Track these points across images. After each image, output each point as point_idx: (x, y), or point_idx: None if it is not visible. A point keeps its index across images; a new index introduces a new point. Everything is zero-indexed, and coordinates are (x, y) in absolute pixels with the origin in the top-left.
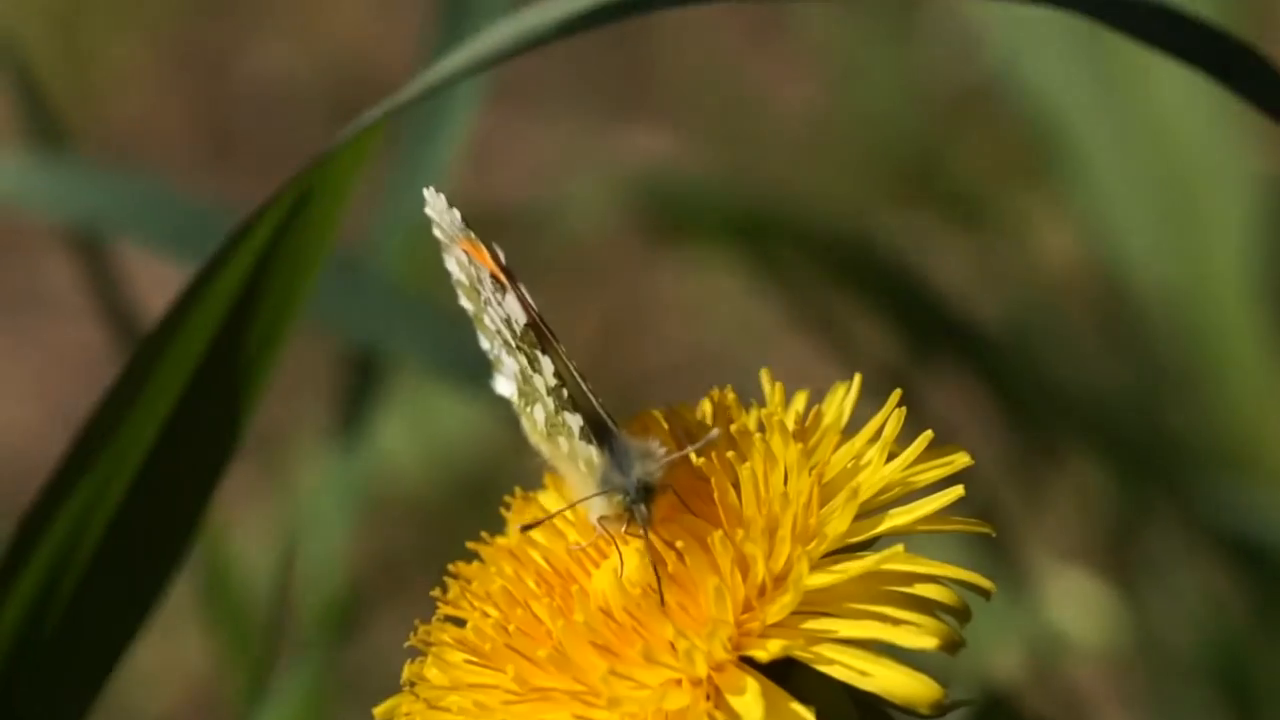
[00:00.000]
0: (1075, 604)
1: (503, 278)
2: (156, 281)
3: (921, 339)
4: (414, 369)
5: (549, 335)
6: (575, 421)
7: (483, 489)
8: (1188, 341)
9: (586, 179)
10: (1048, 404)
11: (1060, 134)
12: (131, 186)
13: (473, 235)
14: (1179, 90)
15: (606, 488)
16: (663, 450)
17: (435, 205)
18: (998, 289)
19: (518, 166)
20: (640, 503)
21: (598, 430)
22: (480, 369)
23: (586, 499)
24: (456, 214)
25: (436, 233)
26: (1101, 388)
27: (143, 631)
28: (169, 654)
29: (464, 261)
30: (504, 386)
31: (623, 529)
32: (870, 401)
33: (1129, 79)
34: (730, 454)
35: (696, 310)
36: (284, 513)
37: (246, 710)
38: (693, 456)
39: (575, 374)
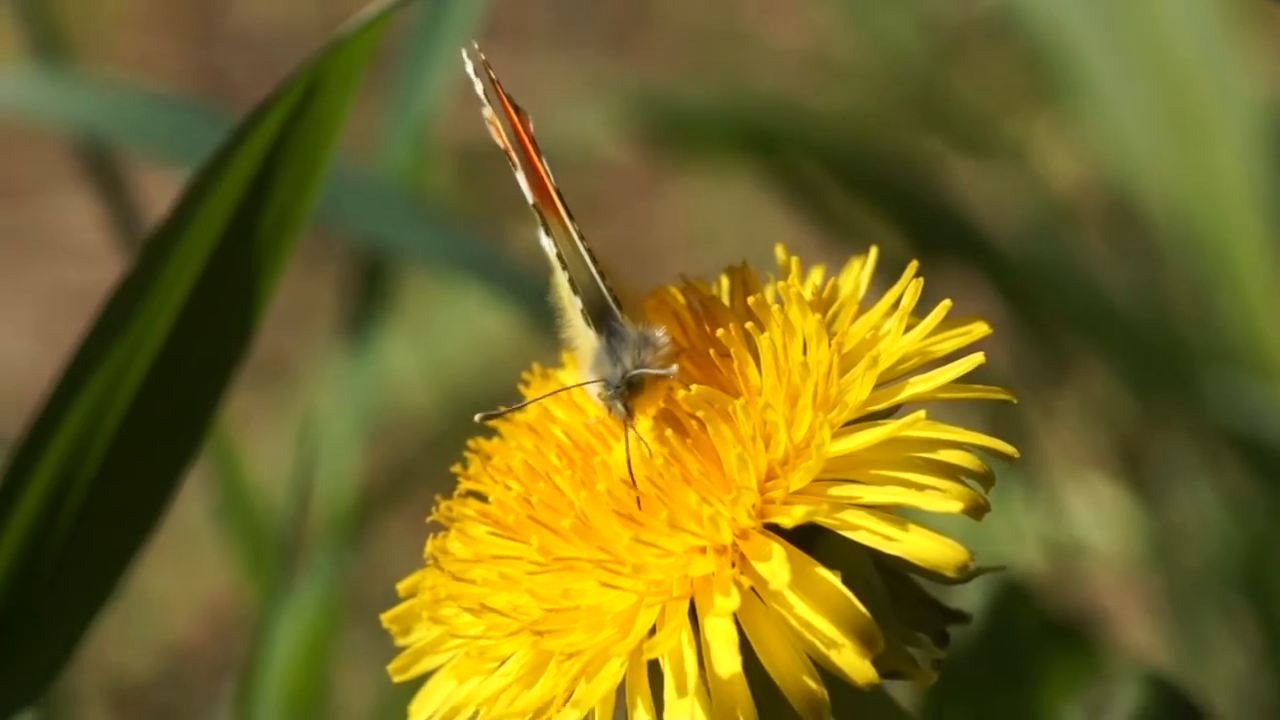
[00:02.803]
0: (1092, 510)
1: (511, 155)
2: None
3: (934, 251)
4: (419, 281)
5: (560, 215)
6: (576, 303)
7: (489, 402)
8: (1195, 253)
9: (587, 108)
10: (1060, 314)
11: (1065, 58)
12: (138, 94)
13: (487, 112)
14: (1181, 11)
15: (595, 375)
16: (665, 340)
17: (470, 69)
18: (1008, 208)
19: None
20: (619, 398)
21: (600, 314)
22: (487, 271)
23: (568, 387)
24: (477, 85)
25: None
26: (1112, 298)
27: (153, 535)
28: (185, 582)
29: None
30: (545, 242)
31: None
32: (884, 293)
33: (1131, 2)
34: (749, 325)
35: (705, 235)
36: (294, 433)
37: (262, 625)
38: (706, 333)
39: (585, 254)
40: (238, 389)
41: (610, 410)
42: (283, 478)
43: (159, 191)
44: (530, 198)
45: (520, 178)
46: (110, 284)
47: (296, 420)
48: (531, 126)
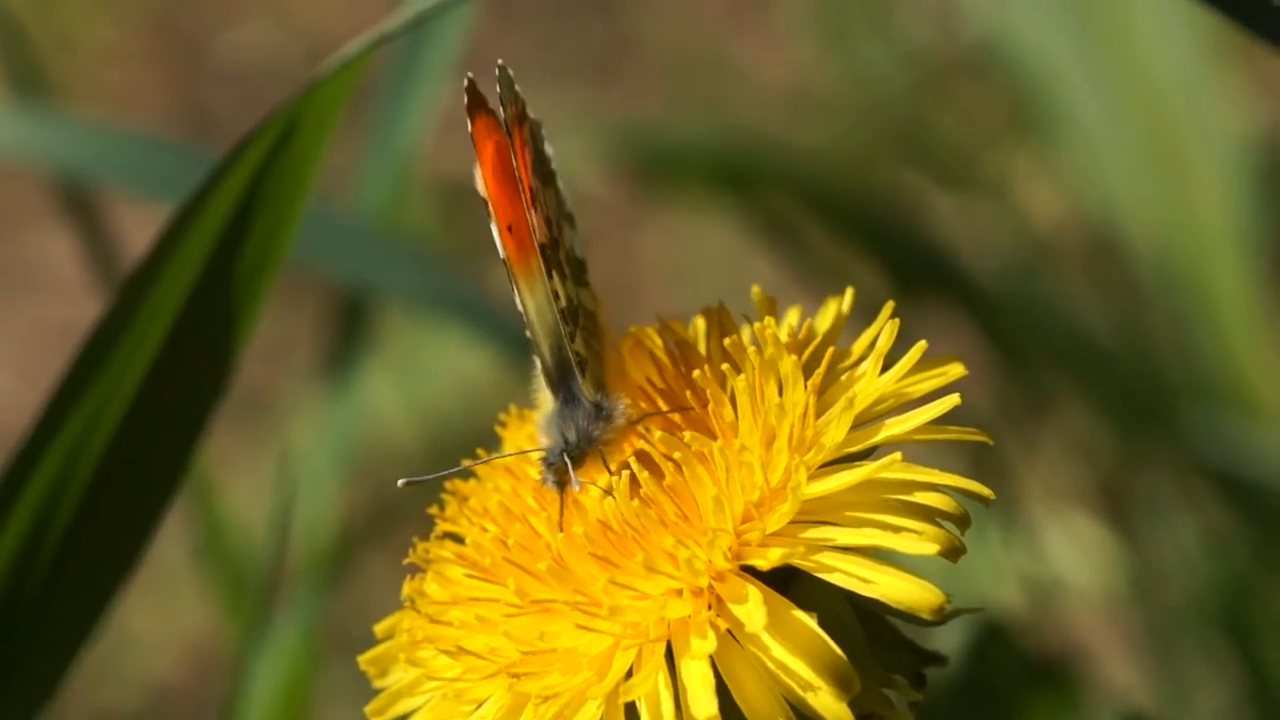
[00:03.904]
0: (1072, 547)
1: (491, 207)
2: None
3: (914, 288)
4: (399, 318)
5: (536, 271)
6: (535, 363)
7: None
8: (1176, 289)
9: (570, 141)
10: (1040, 350)
11: (1046, 93)
12: (119, 134)
13: (477, 174)
14: (1163, 47)
15: (545, 439)
16: (622, 413)
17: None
18: (988, 242)
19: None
20: (552, 471)
21: (561, 376)
22: (467, 310)
23: (507, 455)
24: (468, 125)
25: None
26: (1093, 334)
27: (133, 574)
28: (165, 621)
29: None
30: (515, 297)
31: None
32: (861, 332)
33: (1113, 36)
34: (725, 367)
35: (686, 271)
36: (274, 470)
37: (242, 664)
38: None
39: (556, 314)
40: (216, 425)
41: (543, 482)
42: (262, 514)
43: (138, 227)
44: (502, 252)
45: (495, 231)
46: (89, 320)
47: (276, 455)
48: (548, 147)
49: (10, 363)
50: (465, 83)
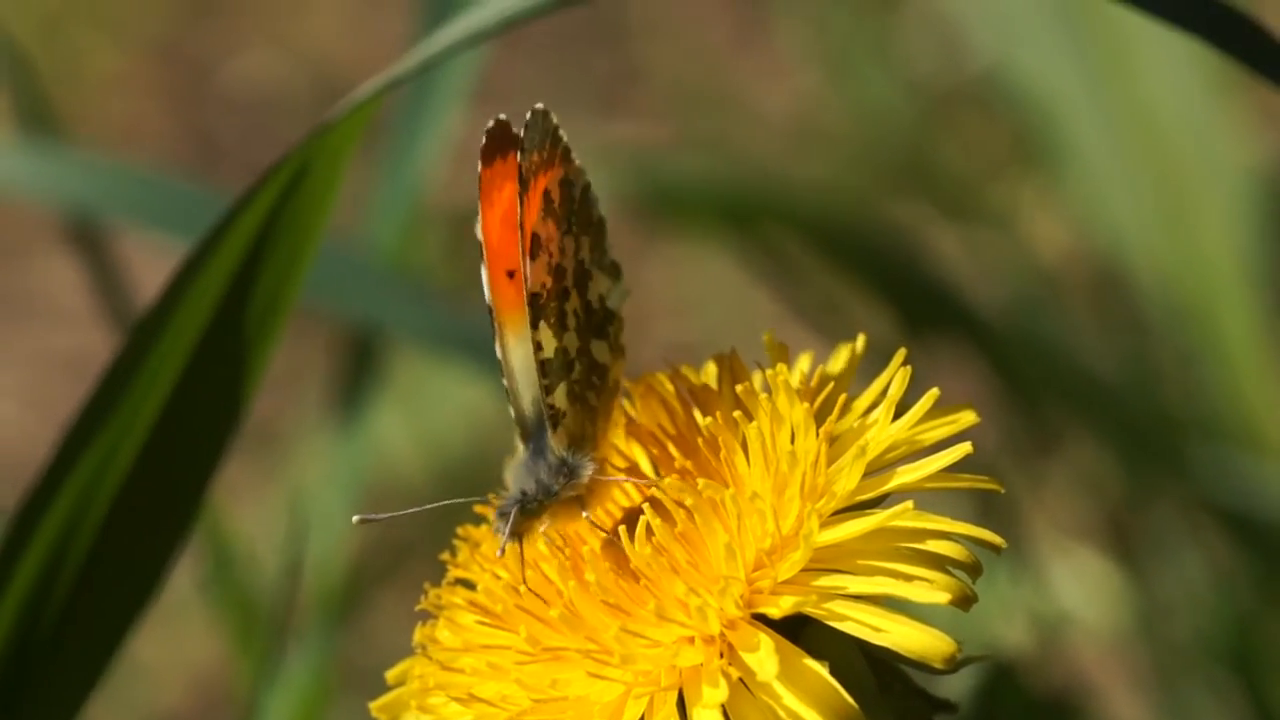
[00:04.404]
0: (1079, 583)
1: (487, 251)
2: (157, 280)
3: (920, 324)
4: (409, 352)
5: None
6: (510, 411)
7: (478, 475)
8: (1183, 323)
9: None
10: (1047, 385)
11: (1052, 125)
12: (127, 171)
13: (480, 195)
14: (1167, 79)
15: (511, 487)
16: (588, 473)
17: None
18: (994, 276)
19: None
20: (502, 520)
21: (534, 427)
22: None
23: (458, 502)
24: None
25: None
26: (1100, 369)
27: (146, 613)
28: (173, 650)
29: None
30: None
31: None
32: (872, 376)
33: (1117, 69)
34: (737, 414)
35: (689, 304)
36: (284, 505)
37: (253, 699)
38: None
39: (536, 365)
40: (227, 458)
41: (494, 530)
42: (273, 547)
43: (145, 256)
44: (488, 297)
45: (485, 275)
46: (95, 349)
47: (286, 488)
48: (583, 178)
49: (15, 391)
50: (492, 123)
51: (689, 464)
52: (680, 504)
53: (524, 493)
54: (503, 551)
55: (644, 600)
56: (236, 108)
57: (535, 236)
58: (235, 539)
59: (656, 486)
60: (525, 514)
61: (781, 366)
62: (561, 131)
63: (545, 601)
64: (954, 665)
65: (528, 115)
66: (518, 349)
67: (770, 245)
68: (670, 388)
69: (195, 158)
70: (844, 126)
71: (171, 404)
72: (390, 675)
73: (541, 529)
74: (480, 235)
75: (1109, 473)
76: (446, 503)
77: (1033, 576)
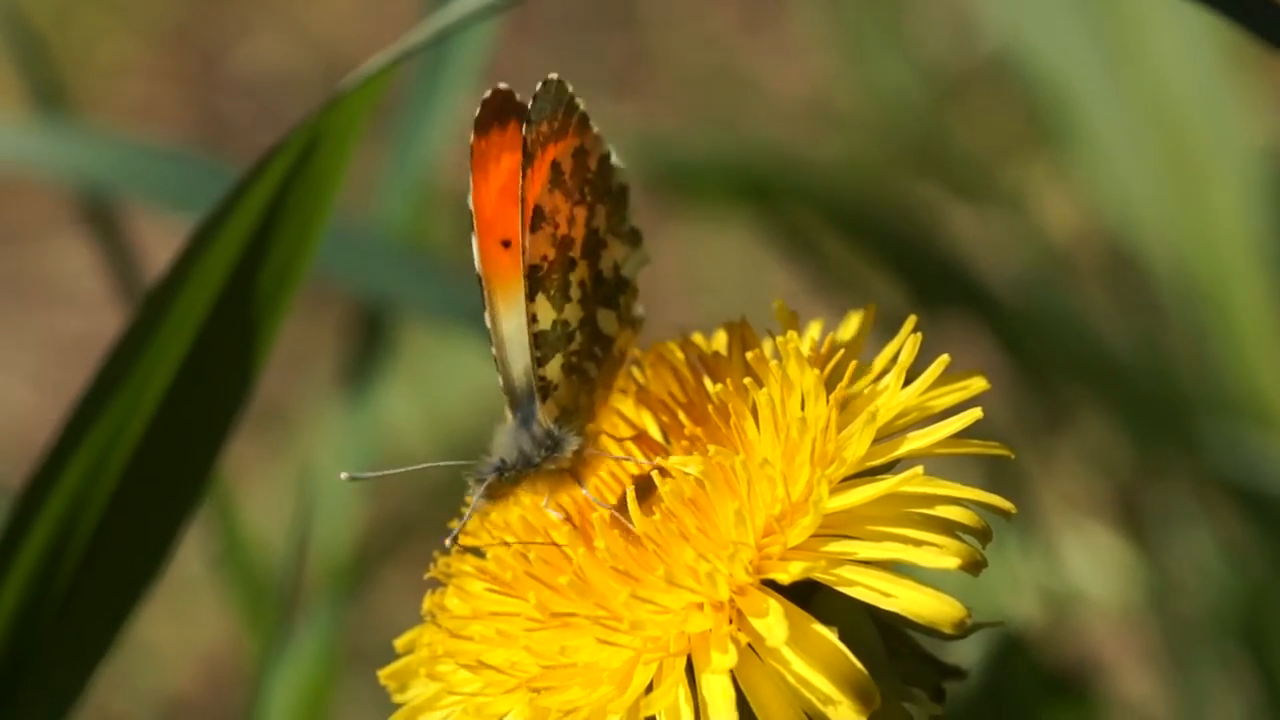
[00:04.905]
0: (1089, 559)
1: (478, 220)
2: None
3: (932, 301)
4: (417, 330)
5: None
6: (498, 380)
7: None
8: (1194, 301)
9: None
10: (1058, 362)
11: (1064, 105)
12: (140, 147)
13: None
14: (1179, 60)
15: (495, 454)
16: (572, 447)
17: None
18: (1006, 254)
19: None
20: (481, 480)
21: (523, 399)
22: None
23: (434, 465)
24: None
25: None
26: (1111, 346)
27: (153, 588)
28: (183, 632)
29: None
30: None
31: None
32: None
33: (1129, 49)
34: (747, 380)
35: (702, 285)
36: (292, 479)
37: (260, 675)
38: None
39: (528, 335)
40: (235, 436)
41: (470, 492)
42: (281, 525)
43: (157, 238)
44: (478, 265)
45: (475, 245)
46: (109, 332)
47: (294, 466)
48: (612, 155)
49: (28, 374)
50: (489, 93)
51: (699, 431)
52: (687, 472)
53: (503, 461)
54: (467, 516)
55: (653, 566)
56: (247, 91)
57: (539, 209)
58: (243, 518)
59: (650, 464)
60: (502, 482)
61: (792, 334)
62: (578, 100)
63: (555, 568)
64: (963, 631)
65: (538, 86)
66: (509, 318)
67: (784, 221)
68: (681, 356)
69: (207, 140)
70: (857, 107)
71: (181, 377)
72: (399, 643)
73: (513, 499)
74: (471, 205)
75: (1119, 448)
76: (436, 464)
77: (1043, 551)
